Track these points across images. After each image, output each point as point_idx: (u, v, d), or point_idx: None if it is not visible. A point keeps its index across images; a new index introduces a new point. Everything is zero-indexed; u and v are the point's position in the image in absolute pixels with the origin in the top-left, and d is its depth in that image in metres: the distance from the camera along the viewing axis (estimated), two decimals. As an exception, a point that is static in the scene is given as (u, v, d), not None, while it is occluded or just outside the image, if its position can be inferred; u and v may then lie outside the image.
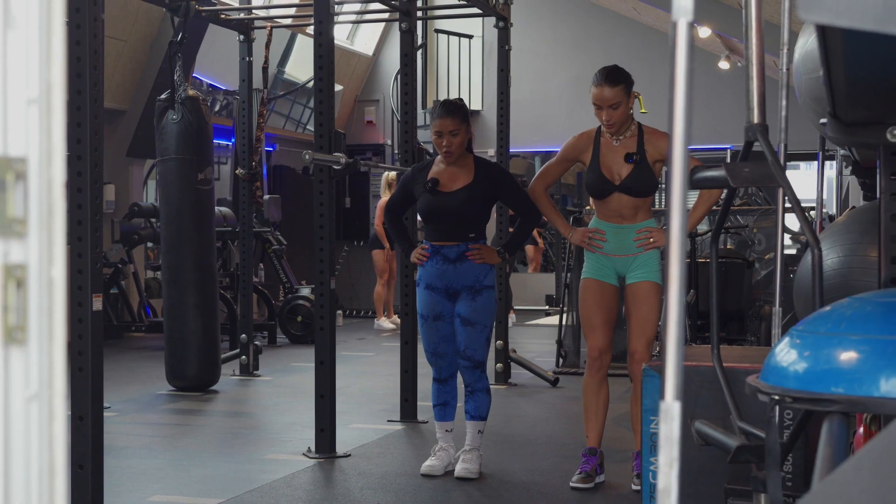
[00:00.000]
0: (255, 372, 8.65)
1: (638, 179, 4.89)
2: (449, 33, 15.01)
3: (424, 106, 14.39)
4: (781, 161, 3.19)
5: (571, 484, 4.89)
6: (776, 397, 2.29)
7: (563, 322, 8.89)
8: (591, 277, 5.00)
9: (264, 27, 8.81)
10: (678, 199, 1.43)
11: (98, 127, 3.96)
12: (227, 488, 4.92)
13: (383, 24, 15.11)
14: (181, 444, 6.05)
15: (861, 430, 2.89)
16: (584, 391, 5.02)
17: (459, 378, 5.33)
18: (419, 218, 5.68)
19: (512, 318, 12.04)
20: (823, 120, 3.05)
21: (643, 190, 4.91)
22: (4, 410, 1.06)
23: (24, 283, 1.06)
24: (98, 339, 3.94)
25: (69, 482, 1.09)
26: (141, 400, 7.51)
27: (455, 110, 5.17)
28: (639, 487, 4.76)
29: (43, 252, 1.07)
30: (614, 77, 4.87)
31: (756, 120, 2.70)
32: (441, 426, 5.32)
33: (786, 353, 2.35)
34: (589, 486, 4.87)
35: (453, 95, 15.00)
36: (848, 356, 2.20)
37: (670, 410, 1.40)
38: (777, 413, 2.44)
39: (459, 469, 5.13)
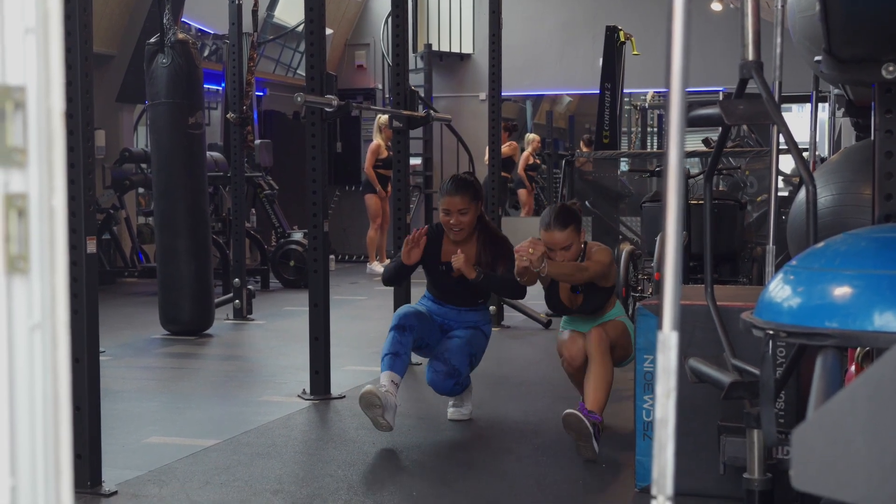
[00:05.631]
0: (248, 316, 8.68)
1: (591, 303, 4.86)
2: (440, -24, 14.89)
3: (415, 50, 14.29)
4: (776, 99, 3.19)
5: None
6: (770, 332, 2.31)
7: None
8: (567, 329, 4.95)
9: (254, -31, 8.73)
10: (676, 139, 1.43)
11: (89, 69, 3.93)
12: (223, 429, 4.95)
13: (373, -34, 14.98)
14: (176, 387, 6.08)
15: (853, 368, 2.91)
16: (568, 375, 4.95)
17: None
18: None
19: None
20: (818, 58, 3.04)
21: (599, 308, 4.88)
22: (8, 340, 1.06)
23: (26, 212, 1.06)
24: (93, 280, 3.94)
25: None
26: (135, 344, 7.53)
27: (465, 188, 4.94)
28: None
29: (44, 181, 1.07)
30: (563, 219, 4.74)
31: (751, 57, 2.70)
32: (387, 375, 4.75)
33: (780, 289, 2.36)
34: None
35: (444, 39, 14.89)
36: (842, 291, 2.21)
37: (667, 341, 1.41)
38: (771, 348, 2.46)
39: (452, 412, 5.15)
